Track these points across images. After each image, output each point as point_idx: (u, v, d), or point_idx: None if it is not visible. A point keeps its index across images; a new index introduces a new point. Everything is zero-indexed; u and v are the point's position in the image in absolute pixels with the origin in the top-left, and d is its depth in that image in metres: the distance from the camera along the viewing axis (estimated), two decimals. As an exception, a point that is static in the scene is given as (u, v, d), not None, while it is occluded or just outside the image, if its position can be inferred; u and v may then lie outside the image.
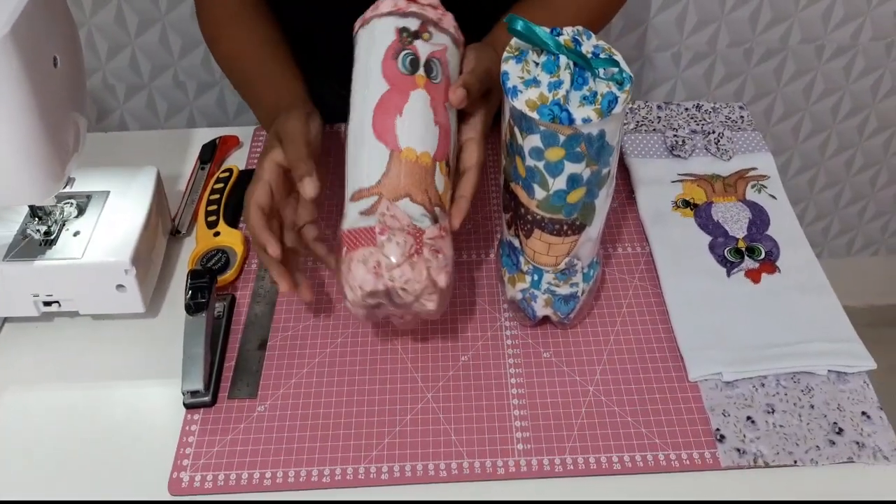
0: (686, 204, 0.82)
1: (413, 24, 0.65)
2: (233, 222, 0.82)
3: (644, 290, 0.75)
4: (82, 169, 0.76)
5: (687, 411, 0.65)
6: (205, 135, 0.95)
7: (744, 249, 0.77)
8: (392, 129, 0.62)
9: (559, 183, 0.61)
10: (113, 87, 1.49)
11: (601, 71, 0.58)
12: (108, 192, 0.77)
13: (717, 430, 0.64)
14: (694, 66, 1.51)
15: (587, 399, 0.66)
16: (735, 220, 0.80)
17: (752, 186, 0.84)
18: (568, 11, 0.82)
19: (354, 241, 0.61)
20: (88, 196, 0.76)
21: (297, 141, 0.68)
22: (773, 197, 0.83)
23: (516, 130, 0.61)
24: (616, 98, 0.57)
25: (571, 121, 0.57)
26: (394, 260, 0.59)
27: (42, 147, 0.64)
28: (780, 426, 0.64)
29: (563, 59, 0.58)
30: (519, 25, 0.59)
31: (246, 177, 0.87)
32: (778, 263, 0.76)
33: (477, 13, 0.77)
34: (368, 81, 0.65)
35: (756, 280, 0.74)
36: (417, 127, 0.63)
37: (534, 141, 0.59)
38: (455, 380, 0.68)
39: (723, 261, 0.76)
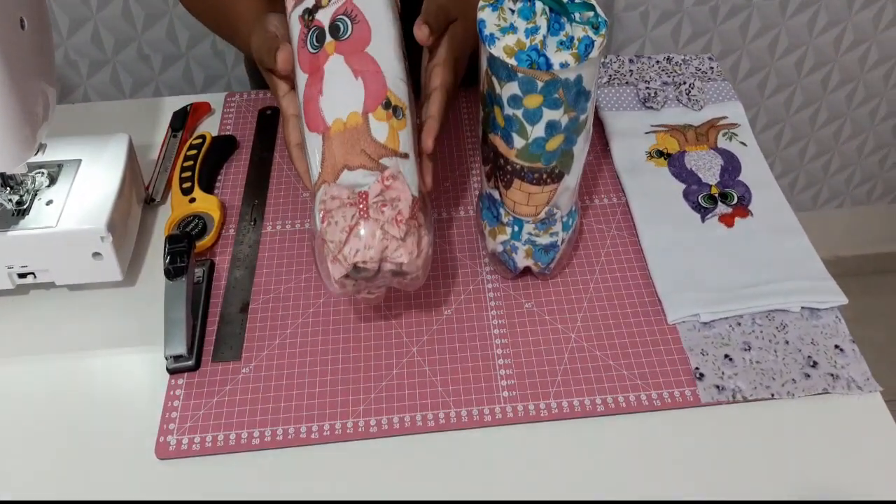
0: (660, 154, 0.83)
1: (310, 2, 0.64)
2: (208, 188, 0.82)
3: (621, 238, 0.76)
4: (52, 138, 0.75)
5: (666, 353, 0.67)
6: (175, 103, 0.94)
7: (717, 195, 0.78)
8: (318, 113, 0.61)
9: (538, 131, 0.61)
10: (75, 62, 1.46)
11: (577, 15, 0.58)
12: (79, 161, 0.76)
13: (697, 368, 0.65)
14: (661, 24, 1.52)
15: (569, 346, 0.67)
16: (707, 168, 0.81)
17: (724, 135, 0.85)
18: None
19: (320, 239, 0.60)
20: (60, 165, 0.75)
21: (266, 44, 0.67)
22: (744, 144, 0.84)
23: (494, 80, 0.61)
24: (592, 42, 0.58)
25: (549, 66, 0.57)
26: (338, 241, 0.58)
27: (11, 112, 0.63)
28: (757, 362, 0.66)
29: (538, 5, 0.58)
30: None
31: (219, 142, 0.86)
32: (750, 207, 0.77)
33: None
34: (298, 81, 0.64)
35: (730, 224, 0.76)
36: (337, 94, 0.61)
37: (512, 89, 0.60)
38: (439, 333, 0.69)
39: (697, 207, 0.77)
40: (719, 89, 0.91)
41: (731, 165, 0.81)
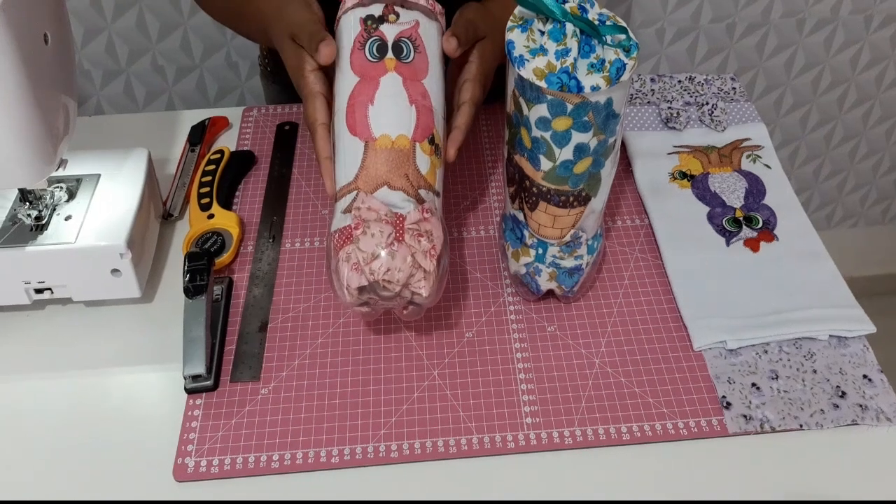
0: (683, 175, 0.82)
1: (377, 10, 0.65)
2: (226, 204, 0.81)
3: (645, 261, 0.75)
4: (71, 152, 0.74)
5: (693, 380, 0.65)
6: (193, 116, 0.93)
7: (742, 219, 0.77)
8: (365, 121, 0.62)
9: (566, 153, 0.60)
10: (89, 72, 1.46)
11: (608, 38, 0.57)
12: (98, 176, 0.75)
13: (724, 397, 0.64)
14: (678, 41, 1.51)
15: (593, 371, 0.66)
16: (732, 191, 0.80)
17: (747, 156, 0.84)
18: None
19: (340, 240, 0.60)
20: (79, 179, 0.75)
21: (308, 23, 0.67)
22: (768, 166, 0.83)
23: (522, 101, 0.60)
24: (624, 65, 0.57)
25: (580, 89, 0.56)
26: (371, 252, 0.58)
27: (34, 127, 0.62)
28: (785, 391, 0.64)
29: (569, 27, 0.57)
30: None
31: (237, 158, 0.86)
32: (775, 232, 0.76)
33: None
34: (341, 78, 0.65)
35: (755, 249, 0.75)
36: (390, 112, 0.62)
37: (540, 111, 0.59)
38: (461, 356, 0.68)
39: (721, 231, 0.76)
40: (742, 110, 0.90)
41: (755, 188, 0.80)
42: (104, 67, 1.46)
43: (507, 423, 0.63)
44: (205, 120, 0.92)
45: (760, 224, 0.77)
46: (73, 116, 0.71)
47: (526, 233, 0.68)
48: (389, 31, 0.65)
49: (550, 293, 0.71)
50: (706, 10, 1.47)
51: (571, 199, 0.63)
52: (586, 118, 0.58)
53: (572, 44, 0.57)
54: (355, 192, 0.61)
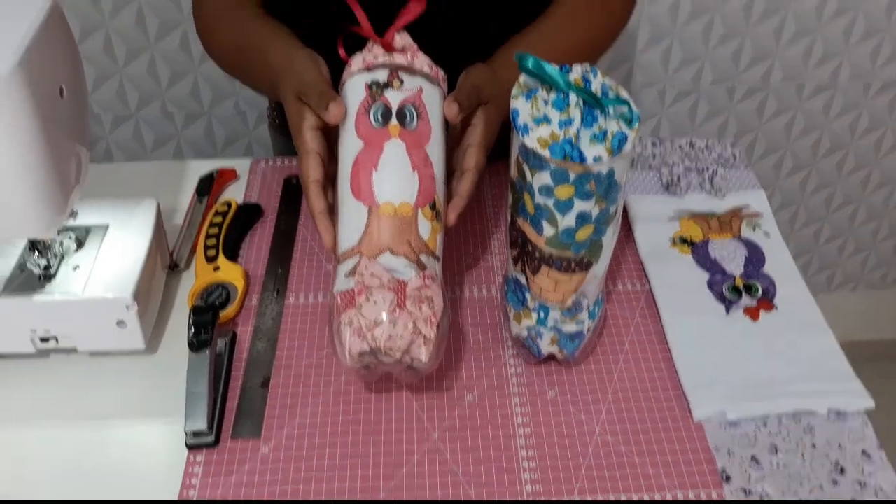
0: (683, 241, 0.83)
1: (382, 76, 0.67)
2: (232, 256, 0.82)
3: (646, 326, 0.76)
4: (81, 202, 0.75)
5: (692, 450, 0.66)
6: (201, 167, 0.94)
7: (741, 287, 0.78)
8: (369, 186, 0.63)
9: (568, 220, 0.61)
10: (99, 116, 1.49)
11: (611, 109, 0.59)
12: (107, 226, 0.76)
13: (723, 469, 0.64)
14: (678, 102, 1.54)
15: (594, 439, 0.66)
16: (732, 258, 0.81)
17: (747, 224, 0.85)
18: (563, 43, 0.84)
19: (342, 303, 0.61)
20: (87, 229, 0.75)
21: (317, 83, 0.68)
22: (767, 234, 0.84)
23: (525, 167, 0.61)
24: (626, 137, 0.58)
25: (583, 159, 0.57)
26: (373, 319, 0.59)
27: (48, 179, 0.63)
28: (784, 466, 0.65)
29: (573, 97, 0.59)
30: (529, 63, 0.60)
31: (244, 210, 0.87)
32: (775, 301, 0.77)
33: (469, 45, 0.78)
34: (345, 142, 0.66)
35: (755, 317, 0.75)
36: (394, 178, 0.64)
37: (543, 178, 0.60)
38: (461, 419, 0.68)
39: (721, 298, 0.77)
40: (742, 177, 0.91)
41: (755, 256, 0.81)
42: (114, 112, 1.48)
43: (506, 490, 0.63)
44: (213, 171, 0.93)
45: (760, 293, 0.77)
46: (86, 164, 0.72)
47: (528, 296, 0.68)
48: (394, 98, 0.66)
49: (552, 356, 0.71)
50: (707, 73, 1.50)
51: (573, 264, 0.64)
52: (588, 187, 0.59)
53: (575, 114, 0.58)
54: (358, 257, 0.63)
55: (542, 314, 0.68)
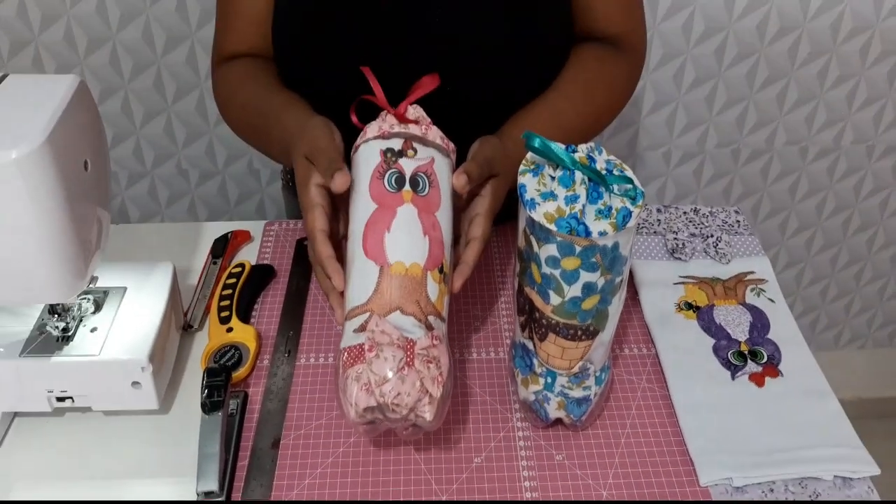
0: (689, 306, 0.84)
1: (397, 145, 0.69)
2: (245, 317, 0.84)
3: (652, 391, 0.77)
4: (100, 263, 0.77)
5: (699, 517, 0.66)
6: (216, 229, 0.97)
7: (746, 353, 0.79)
8: (381, 246, 0.65)
9: (574, 290, 0.63)
10: (115, 174, 1.52)
11: (615, 187, 0.61)
12: (125, 288, 0.78)
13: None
14: (683, 164, 1.57)
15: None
16: (737, 324, 0.82)
17: (752, 290, 0.87)
18: (570, 117, 0.86)
19: (349, 358, 0.63)
20: (106, 292, 0.77)
21: (328, 150, 0.71)
22: (772, 301, 0.86)
23: (532, 239, 0.63)
24: (630, 213, 0.60)
25: (588, 233, 0.59)
26: (382, 376, 0.61)
27: (69, 247, 0.65)
28: (791, 533, 0.65)
29: (578, 175, 0.61)
30: (536, 143, 0.62)
31: (257, 271, 0.89)
32: (780, 367, 0.78)
33: (477, 120, 0.81)
34: (358, 203, 0.68)
35: (760, 384, 0.76)
36: (405, 240, 0.66)
37: (550, 250, 0.62)
38: (469, 482, 0.69)
39: (727, 364, 0.78)
40: (746, 244, 0.93)
41: (759, 322, 0.83)
42: (130, 169, 1.52)
43: (513, 554, 0.64)
44: (227, 233, 0.95)
45: (765, 359, 0.78)
46: (106, 228, 0.74)
47: (535, 361, 0.70)
48: (408, 165, 0.69)
49: (559, 421, 0.72)
50: (711, 136, 1.53)
51: (580, 332, 0.66)
52: (594, 259, 0.61)
53: (581, 190, 0.60)
54: (368, 314, 0.64)
55: (549, 379, 0.69)
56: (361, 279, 0.65)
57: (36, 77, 0.68)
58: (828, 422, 0.73)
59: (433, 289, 0.66)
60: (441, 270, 0.67)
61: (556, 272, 0.63)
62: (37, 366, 0.71)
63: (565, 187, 0.61)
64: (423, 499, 0.67)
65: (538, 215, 0.61)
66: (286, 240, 0.96)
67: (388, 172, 0.68)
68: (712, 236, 0.92)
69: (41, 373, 0.71)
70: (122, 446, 0.73)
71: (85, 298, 0.76)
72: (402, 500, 0.64)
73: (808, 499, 0.67)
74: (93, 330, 0.74)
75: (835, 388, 0.76)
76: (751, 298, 0.85)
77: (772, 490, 0.68)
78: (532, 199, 0.62)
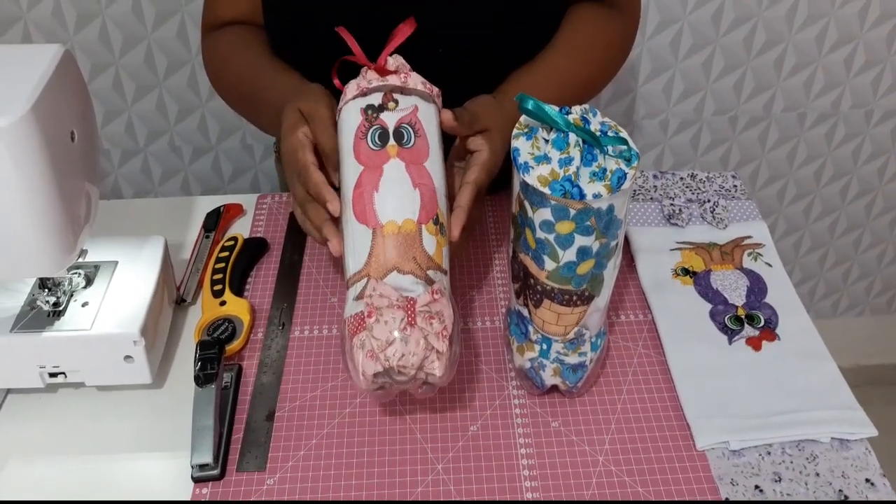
0: (685, 272, 0.84)
1: (377, 100, 0.67)
2: (238, 290, 0.83)
3: (648, 357, 0.76)
4: (90, 239, 0.76)
5: (696, 480, 0.66)
6: (208, 203, 0.96)
7: (743, 317, 0.79)
8: (371, 208, 0.64)
9: (569, 255, 0.62)
10: (108, 151, 1.51)
11: (609, 148, 0.60)
12: (116, 263, 0.77)
13: (727, 499, 0.64)
14: (681, 132, 1.55)
15: (597, 469, 0.67)
16: (734, 288, 0.82)
17: (749, 255, 0.86)
18: (566, 76, 0.85)
19: (352, 327, 0.62)
20: (96, 266, 0.77)
21: (325, 118, 0.69)
22: (769, 265, 0.85)
23: (526, 204, 0.62)
24: (625, 174, 0.59)
25: (582, 196, 0.59)
26: (385, 339, 0.60)
27: (57, 220, 0.64)
28: (788, 495, 0.65)
29: (572, 137, 0.60)
30: (529, 105, 0.61)
31: (250, 245, 0.88)
32: (777, 331, 0.77)
33: (470, 83, 0.80)
34: (346, 169, 0.67)
35: (757, 348, 0.76)
36: (395, 197, 0.64)
37: (544, 214, 0.61)
38: (465, 450, 0.68)
39: (724, 328, 0.78)
40: (743, 208, 0.92)
41: (756, 287, 0.82)
42: (122, 147, 1.50)
43: (510, 521, 0.63)
44: (220, 207, 0.94)
45: (762, 323, 0.78)
46: (95, 203, 0.73)
47: (531, 328, 0.69)
48: (390, 119, 0.67)
49: (555, 388, 0.72)
50: (709, 104, 1.51)
51: (575, 298, 0.65)
52: (588, 223, 0.60)
53: (575, 153, 0.59)
54: (366, 279, 0.63)
55: (544, 346, 0.69)
56: (356, 245, 0.64)
57: (20, 47, 0.66)
58: (825, 384, 0.72)
59: (430, 241, 0.64)
60: (436, 221, 0.65)
61: (551, 237, 0.62)
62: (28, 341, 0.70)
63: (559, 150, 0.60)
64: (419, 468, 0.67)
65: (532, 179, 0.60)
66: (279, 213, 0.95)
67: (371, 130, 0.66)
68: (709, 201, 0.91)
69: (33, 348, 0.70)
70: (115, 422, 0.73)
71: (76, 273, 0.75)
72: (401, 500, 0.63)
73: (805, 461, 0.67)
74: (84, 304, 0.73)
75: (833, 356, 0.76)
76: (748, 263, 0.85)
77: (769, 453, 0.67)
78: (525, 163, 0.61)
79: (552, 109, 0.61)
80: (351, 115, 0.68)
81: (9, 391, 0.75)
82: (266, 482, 0.67)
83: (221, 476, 0.67)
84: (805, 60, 1.47)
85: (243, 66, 0.87)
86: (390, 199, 0.64)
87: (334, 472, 0.67)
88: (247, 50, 0.88)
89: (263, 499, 0.65)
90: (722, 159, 1.59)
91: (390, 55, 0.69)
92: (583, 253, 0.62)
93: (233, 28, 0.91)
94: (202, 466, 0.67)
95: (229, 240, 0.87)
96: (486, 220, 0.93)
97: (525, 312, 0.69)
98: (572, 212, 0.60)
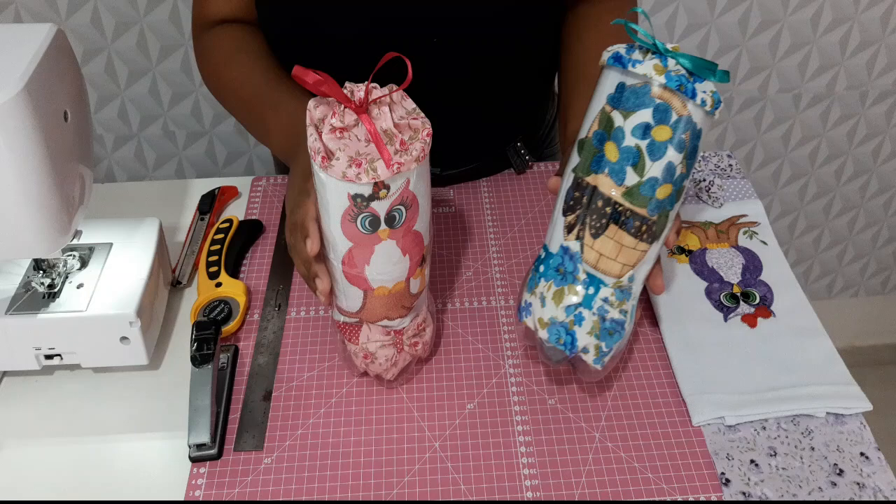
0: (681, 250, 0.84)
1: (366, 190, 0.59)
2: (234, 272, 0.83)
3: (644, 334, 0.76)
4: (85, 221, 0.76)
5: (692, 455, 0.66)
6: (203, 185, 0.95)
7: (739, 294, 0.79)
8: (363, 276, 0.64)
9: (655, 169, 0.60)
10: (101, 137, 1.50)
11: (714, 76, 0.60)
12: (110, 244, 0.77)
13: (723, 473, 0.64)
14: (676, 114, 1.55)
15: (594, 445, 0.67)
16: (729, 266, 0.82)
17: (744, 233, 0.86)
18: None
19: (348, 333, 0.69)
20: (91, 248, 0.76)
21: (308, 222, 0.65)
22: (764, 243, 0.85)
23: (616, 113, 0.61)
24: (720, 100, 0.60)
25: (694, 94, 0.58)
26: (381, 371, 0.70)
27: (51, 200, 0.64)
28: (783, 469, 0.65)
29: (670, 61, 0.59)
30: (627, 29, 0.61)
31: (246, 226, 0.88)
32: (772, 308, 0.78)
33: (467, 76, 0.79)
34: (332, 233, 0.62)
35: (752, 324, 0.76)
36: (385, 269, 0.64)
37: (643, 117, 0.59)
38: (462, 428, 0.69)
39: (719, 306, 0.78)
40: (739, 187, 0.92)
41: (752, 264, 0.82)
42: (116, 132, 1.50)
43: (507, 498, 0.64)
44: (215, 189, 0.94)
45: (758, 300, 0.78)
46: (89, 185, 0.73)
47: (580, 266, 0.64)
48: (381, 206, 0.60)
49: (569, 363, 0.67)
50: (704, 85, 1.51)
51: (644, 228, 0.62)
52: (683, 136, 0.59)
53: (682, 68, 0.59)
54: (357, 320, 0.68)
55: (591, 290, 0.64)
56: (348, 294, 0.66)
57: (12, 26, 0.66)
58: (820, 360, 0.72)
59: (416, 283, 0.67)
60: (422, 262, 0.66)
61: (644, 143, 0.60)
62: (23, 323, 0.70)
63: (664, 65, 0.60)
64: (417, 445, 0.67)
65: (646, 67, 0.59)
66: (274, 195, 0.95)
67: (360, 217, 0.60)
68: (705, 180, 0.91)
69: (28, 330, 0.70)
70: (112, 402, 0.73)
71: (70, 255, 0.75)
72: (403, 500, 0.64)
73: (801, 436, 0.67)
74: (79, 286, 0.73)
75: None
76: (743, 241, 0.85)
77: (764, 428, 0.68)
78: (631, 59, 0.60)
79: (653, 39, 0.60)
80: (337, 197, 0.60)
81: (4, 373, 0.75)
82: (263, 461, 0.67)
83: (219, 456, 0.67)
84: (800, 41, 1.47)
85: (239, 78, 0.83)
86: (381, 270, 0.64)
87: (331, 450, 0.67)
88: (243, 56, 0.84)
89: (261, 478, 0.65)
90: (717, 141, 1.59)
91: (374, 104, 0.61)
92: (668, 172, 0.60)
93: (227, 30, 0.86)
94: (199, 446, 0.67)
95: (224, 222, 0.87)
96: (481, 202, 0.93)
97: (576, 248, 0.64)
98: (674, 116, 0.59)
